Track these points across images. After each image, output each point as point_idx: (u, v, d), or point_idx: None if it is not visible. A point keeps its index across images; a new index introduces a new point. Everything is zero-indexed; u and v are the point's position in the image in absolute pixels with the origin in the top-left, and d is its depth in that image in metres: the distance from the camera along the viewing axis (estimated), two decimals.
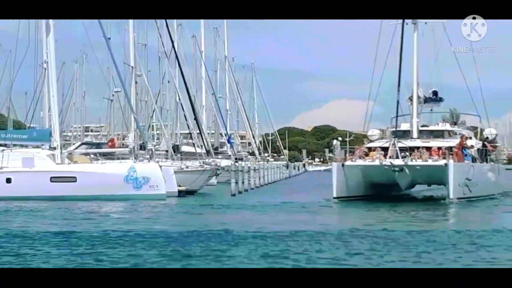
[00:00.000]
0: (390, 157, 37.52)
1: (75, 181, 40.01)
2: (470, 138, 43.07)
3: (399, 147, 38.08)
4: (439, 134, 41.58)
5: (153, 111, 64.80)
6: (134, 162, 41.64)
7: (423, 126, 42.89)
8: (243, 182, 49.95)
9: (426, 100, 43.57)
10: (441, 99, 44.81)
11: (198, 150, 53.32)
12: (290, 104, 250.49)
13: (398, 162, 37.38)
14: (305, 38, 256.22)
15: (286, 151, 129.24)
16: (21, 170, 40.06)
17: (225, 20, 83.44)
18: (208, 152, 51.62)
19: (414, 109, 41.91)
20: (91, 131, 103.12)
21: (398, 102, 40.49)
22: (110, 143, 50.45)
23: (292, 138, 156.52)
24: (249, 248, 19.21)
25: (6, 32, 51.65)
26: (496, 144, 46.08)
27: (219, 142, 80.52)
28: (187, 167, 47.30)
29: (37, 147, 42.41)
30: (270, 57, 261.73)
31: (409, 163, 37.35)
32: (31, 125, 48.64)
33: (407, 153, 38.06)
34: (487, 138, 44.61)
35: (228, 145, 75.32)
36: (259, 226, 24.79)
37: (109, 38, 53.29)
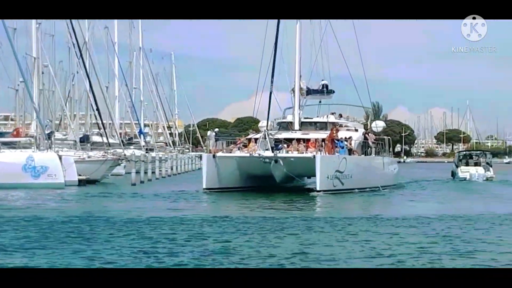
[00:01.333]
0: (260, 149, 37.36)
1: None
2: (357, 130, 43.38)
3: (277, 139, 38.38)
4: (323, 126, 41.90)
5: (66, 102, 65.31)
6: (33, 152, 42.35)
7: (306, 118, 43.31)
8: (145, 172, 50.94)
9: (310, 91, 44.01)
10: (331, 91, 45.21)
11: (109, 140, 54.18)
12: (220, 95, 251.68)
13: (268, 154, 37.28)
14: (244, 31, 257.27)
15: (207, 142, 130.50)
16: None
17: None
18: (109, 143, 52.41)
19: (296, 101, 42.45)
20: (11, 120, 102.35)
21: (271, 93, 40.75)
22: (14, 133, 50.92)
23: None
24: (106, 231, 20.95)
25: None
26: (383, 137, 46.61)
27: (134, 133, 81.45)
28: (89, 157, 48.12)
29: None
30: (201, 47, 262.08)
31: (280, 155, 37.33)
32: None
33: (284, 145, 38.29)
34: (368, 130, 44.87)
35: (141, 136, 76.25)
36: (136, 213, 26.52)
37: (15, 28, 54.19)
